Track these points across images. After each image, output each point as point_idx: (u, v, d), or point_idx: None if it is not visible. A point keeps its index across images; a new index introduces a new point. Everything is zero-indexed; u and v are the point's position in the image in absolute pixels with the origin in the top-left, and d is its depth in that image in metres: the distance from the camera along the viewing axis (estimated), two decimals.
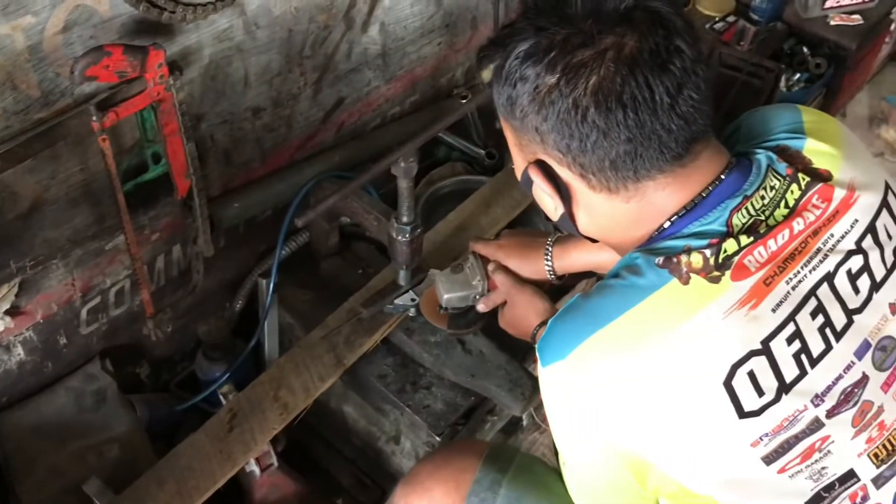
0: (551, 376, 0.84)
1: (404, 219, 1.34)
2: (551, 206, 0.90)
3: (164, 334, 1.55)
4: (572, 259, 1.28)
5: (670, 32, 0.80)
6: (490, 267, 1.31)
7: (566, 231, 0.97)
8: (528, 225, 1.71)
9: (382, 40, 1.57)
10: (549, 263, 1.28)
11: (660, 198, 0.85)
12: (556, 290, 1.39)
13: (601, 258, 1.23)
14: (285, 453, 1.46)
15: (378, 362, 1.50)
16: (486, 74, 0.87)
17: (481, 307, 1.32)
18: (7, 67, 1.03)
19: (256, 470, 1.40)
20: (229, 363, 1.57)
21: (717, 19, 2.10)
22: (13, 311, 1.26)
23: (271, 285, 1.54)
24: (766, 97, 1.92)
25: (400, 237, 1.36)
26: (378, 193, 1.70)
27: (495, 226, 1.63)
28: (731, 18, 2.10)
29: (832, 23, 2.11)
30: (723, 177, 0.86)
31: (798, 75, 2.06)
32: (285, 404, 1.36)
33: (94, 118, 1.12)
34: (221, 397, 1.40)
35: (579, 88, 0.80)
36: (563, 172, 0.87)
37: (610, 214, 0.88)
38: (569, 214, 0.90)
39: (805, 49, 2.09)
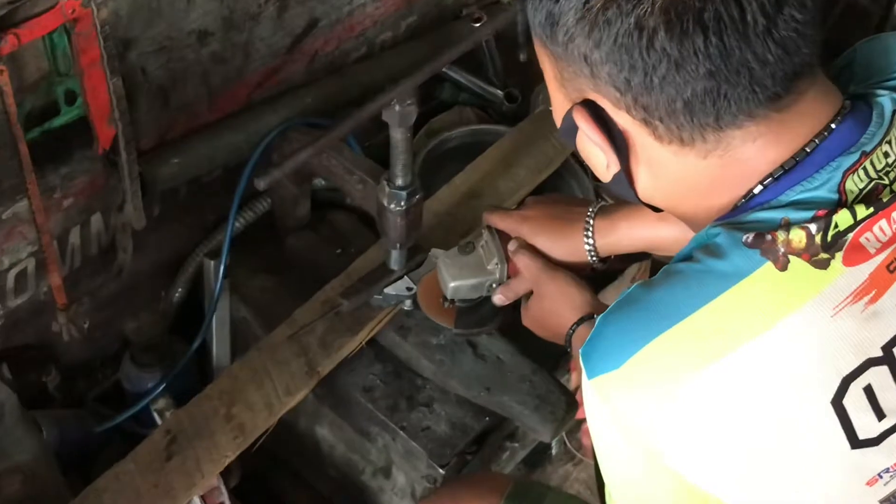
0: (601, 392, 0.84)
1: (399, 181, 1.35)
2: (602, 162, 0.90)
3: (80, 332, 1.56)
4: (621, 235, 1.28)
5: None
6: (511, 246, 1.33)
7: (620, 196, 0.97)
8: (561, 191, 1.74)
9: None
10: (591, 241, 1.29)
11: (749, 153, 0.85)
12: (598, 278, 1.40)
13: (662, 234, 1.24)
14: (240, 489, 1.49)
15: (363, 371, 1.52)
16: None
17: (499, 299, 1.35)
18: None
19: None
20: (165, 370, 1.59)
21: None
22: None
23: (221, 268, 1.56)
24: (877, 23, 1.92)
25: (393, 206, 1.37)
26: (362, 148, 1.71)
27: (517, 192, 1.65)
28: None
29: None
30: (833, 126, 0.85)
31: None
32: (240, 425, 1.38)
33: None
34: (156, 415, 1.43)
35: (645, 3, 0.79)
36: (620, 117, 0.86)
37: (681, 174, 0.87)
38: (626, 173, 0.90)
39: None
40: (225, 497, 1.42)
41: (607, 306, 1.19)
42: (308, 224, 1.66)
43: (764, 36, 0.79)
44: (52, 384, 1.58)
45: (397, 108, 1.26)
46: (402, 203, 1.36)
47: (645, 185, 0.91)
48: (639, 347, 0.82)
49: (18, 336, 1.49)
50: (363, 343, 1.48)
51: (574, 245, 1.30)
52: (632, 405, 0.83)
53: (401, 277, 1.47)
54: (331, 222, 1.68)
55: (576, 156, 1.51)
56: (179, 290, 1.68)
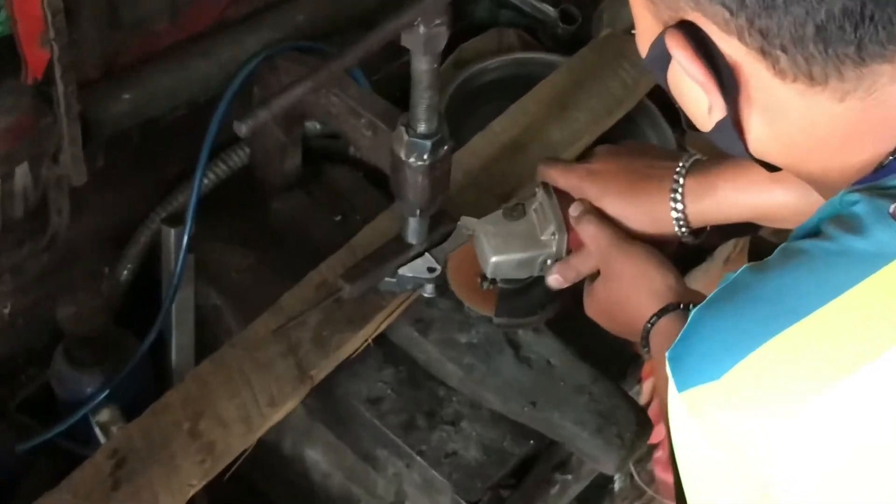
0: (694, 408, 0.85)
1: (422, 127, 1.36)
2: (702, 105, 0.91)
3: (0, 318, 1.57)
4: (721, 199, 1.29)
5: None
6: (573, 211, 1.34)
7: (724, 150, 0.98)
8: (635, 138, 1.76)
9: None
10: (680, 206, 1.31)
11: None
12: (685, 257, 1.44)
13: (777, 200, 1.25)
14: None
15: (369, 376, 1.53)
16: None
17: (555, 280, 1.37)
18: None
19: None
20: (110, 372, 1.59)
21: None
22: None
23: (184, 239, 1.56)
24: None
25: (413, 159, 1.37)
26: (370, 83, 1.71)
27: (575, 143, 1.65)
28: None
29: None
30: None
31: None
32: (209, 444, 1.39)
33: None
34: (98, 430, 1.43)
35: None
36: (729, 45, 0.87)
37: (809, 122, 0.88)
38: (734, 120, 0.91)
39: None
40: None
41: (700, 294, 1.23)
42: (299, 182, 1.67)
43: None
44: None
45: (422, 29, 1.26)
46: (426, 156, 1.37)
47: (759, 135, 0.92)
48: (748, 351, 0.83)
49: None
50: (370, 340, 1.50)
51: (657, 211, 1.31)
52: (736, 427, 0.84)
53: (421, 254, 1.48)
54: (329, 181, 1.68)
55: (657, 96, 1.54)
56: (129, 266, 1.69)
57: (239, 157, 1.68)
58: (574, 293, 1.37)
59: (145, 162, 1.63)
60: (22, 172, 1.48)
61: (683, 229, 1.31)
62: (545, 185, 1.37)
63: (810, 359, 0.81)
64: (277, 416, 1.43)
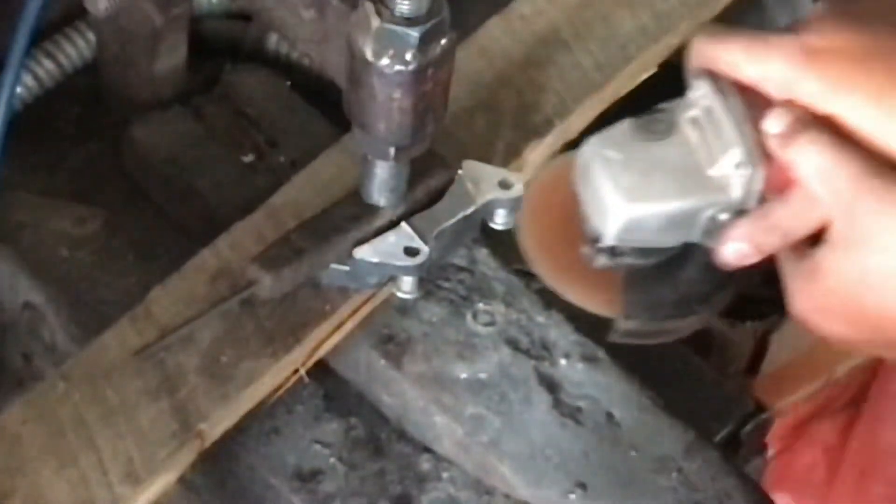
0: None
1: (405, 4, 1.21)
2: None
3: None
4: None
5: None
6: (775, 123, 1.19)
7: None
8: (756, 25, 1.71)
9: None
10: None
11: None
12: None
13: None
14: None
15: (299, 435, 1.41)
16: None
17: (737, 250, 1.23)
18: None
19: None
20: None
21: None
22: None
23: None
24: None
25: (388, 59, 1.21)
26: None
27: (663, 36, 1.54)
28: None
29: None
30: None
31: None
32: None
33: None
34: None
35: None
36: None
37: None
38: None
39: None
40: None
41: None
42: (181, 97, 1.57)
43: None
44: None
45: None
46: (409, 55, 1.22)
47: None
48: None
49: None
50: (302, 373, 1.37)
51: None
52: None
53: (395, 224, 1.33)
54: (235, 92, 1.58)
55: None
56: None
57: (78, 50, 1.56)
58: (763, 275, 1.24)
59: None
60: None
61: None
62: (713, 77, 1.21)
63: None
64: (140, 501, 1.27)
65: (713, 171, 1.20)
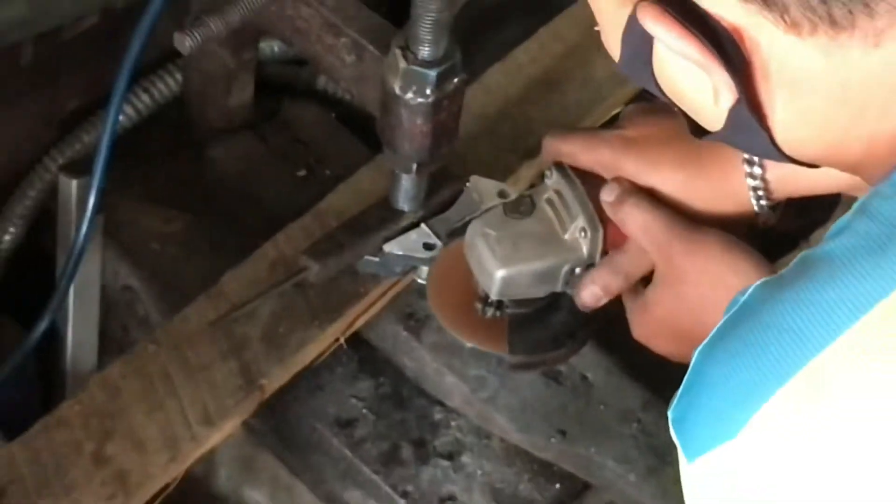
0: (710, 478, 0.86)
1: (425, 51, 1.34)
2: (705, 93, 0.91)
3: None
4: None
5: None
6: (608, 195, 1.31)
7: (751, 153, 1.07)
8: None
9: None
10: (758, 172, 1.29)
11: None
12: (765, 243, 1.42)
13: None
14: None
15: (338, 390, 1.53)
16: None
17: (591, 293, 1.33)
18: None
19: None
20: None
21: None
22: None
23: (91, 194, 1.52)
24: None
25: (412, 94, 1.35)
26: None
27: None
28: None
29: None
30: None
31: None
32: (120, 474, 1.37)
33: None
34: None
35: None
36: (722, 5, 0.86)
37: (841, 86, 0.88)
38: (749, 102, 0.89)
39: None
40: None
41: None
42: (249, 123, 1.67)
43: None
44: None
45: None
46: (429, 91, 1.36)
47: (784, 120, 0.92)
48: (766, 396, 0.83)
49: None
50: (341, 341, 1.50)
51: (728, 181, 1.29)
52: (759, 496, 0.85)
53: (415, 226, 1.47)
54: (291, 121, 1.67)
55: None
56: (12, 230, 1.67)
57: (168, 86, 1.67)
58: (607, 313, 1.34)
59: (40, 88, 1.62)
60: None
61: (762, 202, 1.28)
62: (559, 167, 1.32)
63: (845, 387, 0.83)
64: (213, 439, 1.42)
65: (566, 237, 1.32)
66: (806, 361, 0.83)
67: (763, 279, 0.90)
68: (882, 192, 0.88)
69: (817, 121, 0.91)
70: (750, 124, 0.91)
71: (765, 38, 0.87)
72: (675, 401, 0.88)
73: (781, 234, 1.35)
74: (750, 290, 0.89)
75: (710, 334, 0.89)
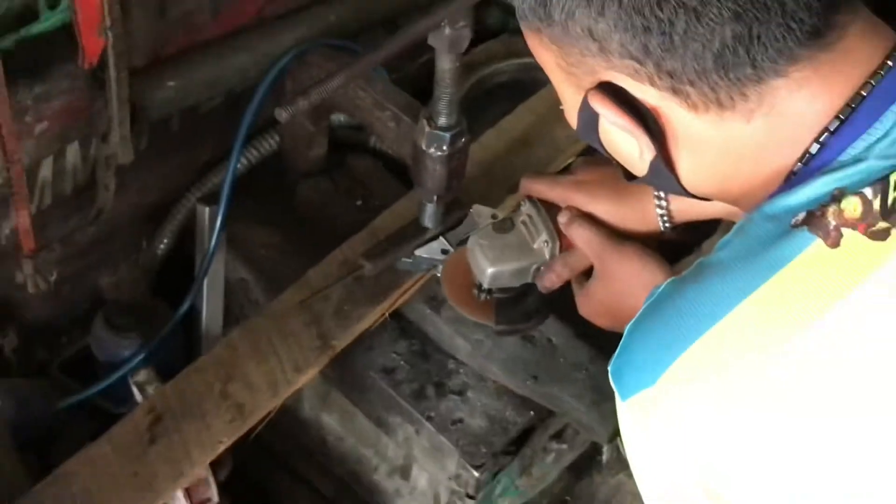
0: (636, 413, 0.87)
1: (442, 120, 1.36)
2: (633, 150, 0.91)
3: (46, 285, 1.57)
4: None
5: None
6: (563, 219, 1.32)
7: (664, 191, 1.02)
8: None
9: None
10: (664, 204, 1.29)
11: (798, 106, 0.87)
12: (669, 251, 1.40)
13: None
14: (229, 484, 1.49)
15: (384, 348, 1.55)
16: None
17: (549, 280, 1.34)
18: None
19: None
20: (146, 336, 1.61)
21: None
22: None
23: (218, 217, 1.58)
24: None
25: (433, 149, 1.37)
26: (391, 80, 1.70)
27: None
28: None
29: None
30: (890, 63, 0.86)
31: None
32: (239, 406, 1.40)
33: None
34: (136, 389, 1.42)
35: None
36: (645, 92, 0.88)
37: (726, 146, 0.89)
38: (664, 159, 0.91)
39: None
40: (213, 492, 1.44)
41: None
42: (324, 169, 1.69)
43: None
44: (8, 347, 1.61)
45: (448, 30, 1.25)
46: (445, 147, 1.37)
47: (687, 169, 0.92)
48: (675, 357, 0.84)
49: None
50: (386, 315, 1.51)
51: (645, 209, 1.29)
52: (675, 424, 0.85)
53: (436, 237, 1.47)
54: (352, 168, 1.70)
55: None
56: (165, 241, 1.70)
57: (269, 144, 1.69)
58: (562, 295, 1.35)
59: (184, 145, 1.64)
60: (73, 151, 1.49)
61: (667, 224, 1.28)
62: (531, 199, 1.35)
63: (726, 359, 0.83)
64: (301, 381, 1.43)
65: (535, 246, 1.33)
66: (701, 334, 0.84)
67: (672, 278, 0.90)
68: (752, 219, 0.88)
69: (709, 170, 0.92)
70: (664, 172, 0.92)
71: (674, 114, 0.88)
72: (613, 359, 0.89)
73: (678, 245, 1.34)
74: (663, 286, 0.89)
75: (637, 314, 0.89)
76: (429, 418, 1.51)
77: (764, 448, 0.84)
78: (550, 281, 1.33)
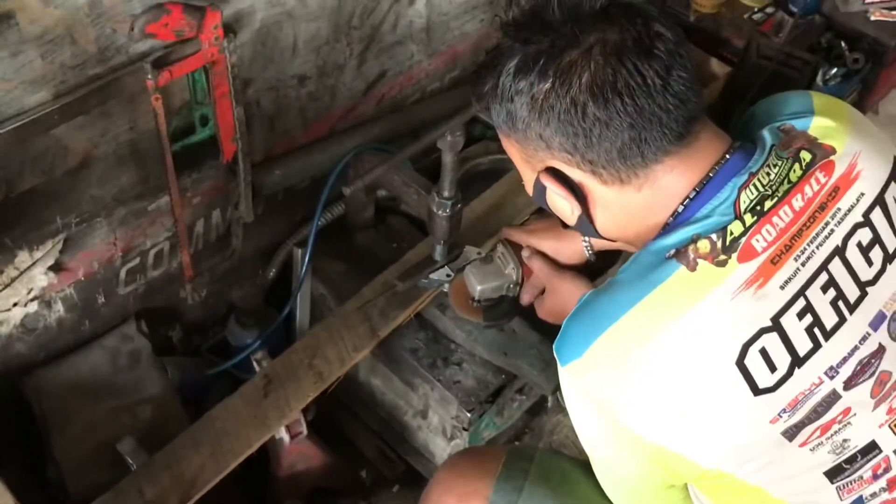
0: (570, 375, 0.86)
1: (446, 193, 1.34)
2: (567, 209, 0.91)
3: (200, 298, 1.56)
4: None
5: (647, 20, 0.83)
6: (524, 254, 1.29)
7: (587, 235, 1.03)
8: None
9: (427, 13, 1.57)
10: (587, 243, 1.26)
11: (670, 181, 0.87)
12: (592, 271, 1.38)
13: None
14: (314, 423, 1.47)
15: (410, 336, 1.52)
16: (482, 104, 0.90)
17: (526, 299, 1.30)
18: (67, 21, 1.05)
19: (286, 437, 1.40)
20: (261, 330, 1.57)
21: (755, 10, 2.06)
22: (56, 267, 1.27)
23: (307, 255, 1.54)
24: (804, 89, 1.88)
25: (440, 211, 1.35)
26: (414, 169, 1.67)
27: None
28: (769, 10, 2.06)
29: (872, 18, 2.07)
30: (728, 156, 0.87)
31: (835, 70, 2.01)
32: (320, 373, 1.36)
33: (149, 76, 1.12)
34: (255, 363, 1.40)
35: (574, 87, 0.82)
36: (575, 173, 0.88)
37: (625, 207, 0.89)
38: (586, 214, 0.91)
39: (843, 43, 2.05)
40: (303, 427, 1.42)
41: None
42: (372, 224, 1.67)
43: (663, 92, 0.83)
44: (176, 337, 1.59)
45: (449, 137, 1.26)
46: (448, 210, 1.36)
47: (601, 221, 0.92)
48: (593, 339, 0.84)
49: (154, 300, 1.49)
50: (412, 315, 1.48)
51: (574, 246, 1.27)
52: (595, 382, 0.85)
53: (443, 266, 1.45)
54: (389, 224, 1.68)
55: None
56: (273, 270, 1.65)
57: (338, 209, 1.65)
58: (522, 305, 1.32)
59: (285, 210, 1.61)
60: (216, 214, 1.49)
61: (590, 253, 1.26)
62: (503, 241, 1.33)
63: (626, 340, 0.83)
64: (358, 357, 1.40)
65: (507, 271, 1.31)
66: (610, 325, 0.84)
67: (592, 290, 0.90)
68: (641, 253, 0.88)
69: (615, 222, 0.92)
70: (586, 223, 0.93)
71: (592, 187, 0.88)
72: (556, 341, 0.89)
73: (597, 268, 1.31)
74: (587, 295, 0.89)
75: (570, 313, 0.89)
76: (439, 380, 1.49)
77: (646, 394, 0.82)
78: (525, 299, 1.31)
